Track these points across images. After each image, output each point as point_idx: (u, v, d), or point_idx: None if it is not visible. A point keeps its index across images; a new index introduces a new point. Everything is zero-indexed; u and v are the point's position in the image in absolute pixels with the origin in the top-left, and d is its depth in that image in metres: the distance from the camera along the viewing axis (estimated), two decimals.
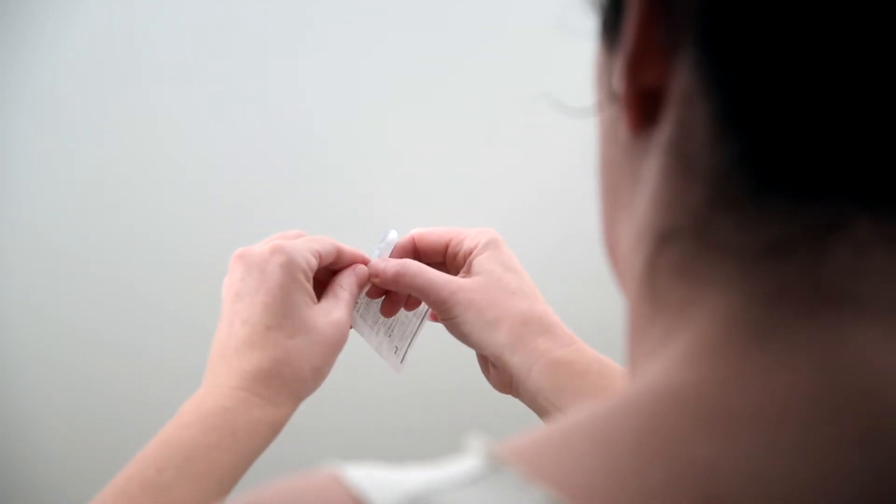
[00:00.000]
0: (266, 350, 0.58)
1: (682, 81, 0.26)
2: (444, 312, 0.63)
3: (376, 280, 0.65)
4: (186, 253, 1.45)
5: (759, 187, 0.26)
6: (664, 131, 0.28)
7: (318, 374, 0.60)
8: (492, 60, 1.46)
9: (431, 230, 0.68)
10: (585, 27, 0.32)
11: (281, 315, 0.59)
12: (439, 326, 0.65)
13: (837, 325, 0.25)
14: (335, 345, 0.61)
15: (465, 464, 0.25)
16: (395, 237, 0.69)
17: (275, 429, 0.57)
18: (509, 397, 0.64)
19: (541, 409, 0.61)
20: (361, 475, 0.25)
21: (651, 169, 0.28)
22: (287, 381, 0.58)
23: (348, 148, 1.49)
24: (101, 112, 1.46)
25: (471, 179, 1.49)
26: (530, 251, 1.47)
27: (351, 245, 0.67)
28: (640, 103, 0.28)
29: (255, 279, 0.60)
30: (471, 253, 0.65)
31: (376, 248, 0.68)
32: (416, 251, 0.68)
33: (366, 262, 0.66)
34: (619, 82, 0.28)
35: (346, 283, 0.64)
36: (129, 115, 1.46)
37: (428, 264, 0.66)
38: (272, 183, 1.47)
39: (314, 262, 0.62)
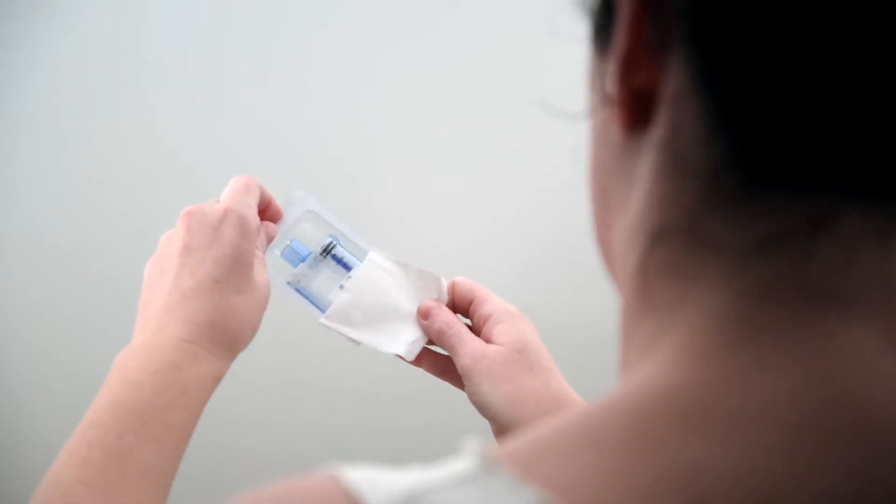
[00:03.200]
0: (214, 303, 0.58)
1: (674, 81, 0.27)
2: (465, 378, 0.64)
3: (423, 321, 0.68)
4: None
5: (750, 183, 0.26)
6: (656, 131, 0.28)
7: (254, 331, 0.61)
8: (489, 63, 1.47)
9: (467, 281, 0.69)
10: (579, 31, 0.32)
11: (231, 272, 0.59)
12: None
13: (825, 323, 0.25)
14: (265, 303, 0.62)
15: (459, 465, 0.26)
16: (307, 205, 0.71)
17: (217, 382, 0.58)
18: None
19: None
20: (357, 476, 0.26)
21: (644, 169, 0.29)
22: (231, 335, 0.58)
23: (347, 149, 1.49)
24: (101, 111, 1.46)
25: (467, 181, 1.49)
26: (525, 251, 1.47)
27: (350, 245, 0.70)
28: (633, 104, 0.28)
29: (206, 236, 0.61)
30: (489, 319, 0.66)
31: (288, 213, 0.70)
32: (452, 295, 0.70)
33: (279, 215, 0.69)
34: (611, 84, 0.29)
35: (258, 245, 0.65)
36: (129, 114, 1.46)
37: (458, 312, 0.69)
38: (270, 183, 1.47)
39: (258, 219, 0.64)
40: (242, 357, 0.60)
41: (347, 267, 0.70)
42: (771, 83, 0.25)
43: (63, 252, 1.48)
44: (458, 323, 0.67)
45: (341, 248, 0.70)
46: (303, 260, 0.70)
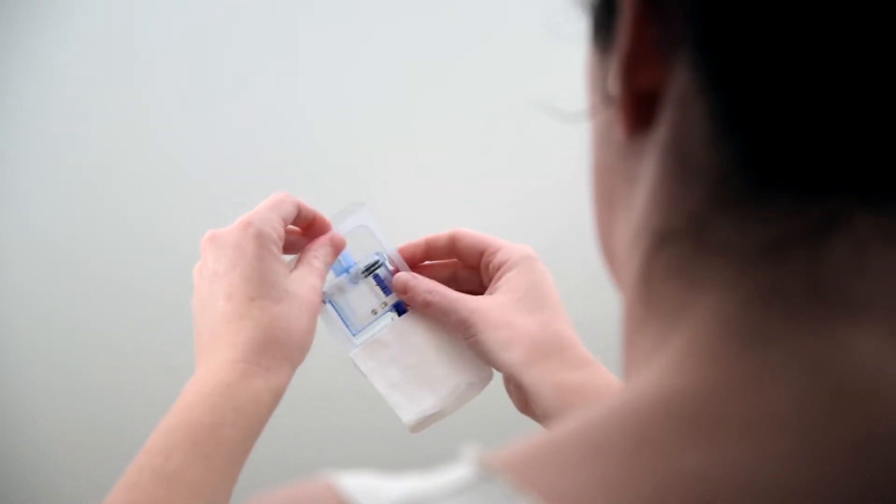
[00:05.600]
0: (255, 319, 0.58)
1: (679, 82, 0.26)
2: (465, 332, 0.63)
3: (403, 296, 0.66)
4: (186, 252, 1.45)
5: (758, 186, 0.25)
6: (661, 133, 0.27)
7: (307, 336, 0.60)
8: (488, 63, 1.46)
9: (472, 233, 0.67)
10: (578, 30, 0.32)
11: (263, 284, 0.59)
12: None
13: (833, 329, 0.25)
14: (315, 308, 0.61)
15: (456, 473, 0.25)
16: (363, 220, 0.69)
17: (276, 395, 0.57)
18: (507, 401, 0.64)
19: None
20: (354, 484, 0.26)
21: (647, 171, 0.28)
22: (281, 345, 0.58)
23: (345, 149, 1.49)
24: (100, 111, 1.46)
25: (467, 181, 1.49)
26: None
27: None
28: (636, 105, 0.28)
29: (229, 256, 0.60)
30: (500, 267, 0.65)
31: (343, 224, 0.68)
32: (455, 250, 0.68)
33: (327, 227, 0.67)
34: (614, 84, 0.28)
35: (320, 255, 0.64)
36: (128, 114, 1.46)
37: (463, 267, 0.67)
38: (271, 184, 1.47)
39: (282, 231, 0.63)
40: None
41: (387, 291, 0.67)
42: (780, 84, 0.24)
43: (62, 251, 1.48)
44: (439, 286, 0.65)
45: (385, 270, 0.68)
46: (346, 271, 0.68)
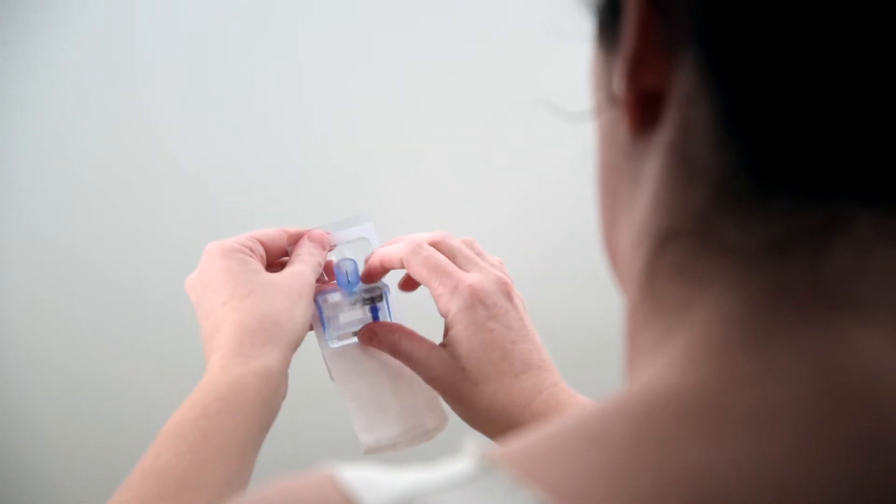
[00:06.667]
0: (228, 320, 0.59)
1: (684, 82, 0.26)
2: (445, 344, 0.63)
3: (371, 345, 0.66)
4: (186, 251, 1.45)
5: (762, 186, 0.25)
6: (665, 133, 0.27)
7: (287, 314, 0.60)
8: (489, 62, 1.46)
9: (417, 266, 0.64)
10: (582, 30, 0.32)
11: (229, 286, 0.60)
12: (437, 328, 0.65)
13: (836, 327, 0.25)
14: (300, 289, 0.62)
15: (458, 466, 0.25)
16: (365, 233, 0.69)
17: (267, 377, 0.57)
18: None
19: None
20: (355, 476, 0.26)
21: (652, 170, 0.28)
22: (256, 332, 0.58)
23: (346, 149, 1.49)
24: (100, 111, 1.46)
25: (467, 181, 1.49)
26: (528, 252, 1.47)
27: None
28: (641, 105, 0.28)
29: (202, 281, 0.63)
30: (445, 317, 0.63)
31: (346, 231, 0.69)
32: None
33: (323, 235, 0.68)
34: (618, 85, 0.28)
35: (304, 248, 0.65)
36: (128, 114, 1.46)
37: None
38: (270, 184, 1.47)
39: (251, 244, 0.64)
40: None
41: (377, 318, 0.67)
42: (784, 84, 0.25)
43: (62, 251, 1.48)
44: (398, 326, 0.65)
45: (385, 305, 0.67)
46: (350, 285, 0.67)
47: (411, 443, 0.65)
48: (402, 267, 0.65)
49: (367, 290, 0.67)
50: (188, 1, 1.44)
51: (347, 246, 0.68)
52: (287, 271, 0.63)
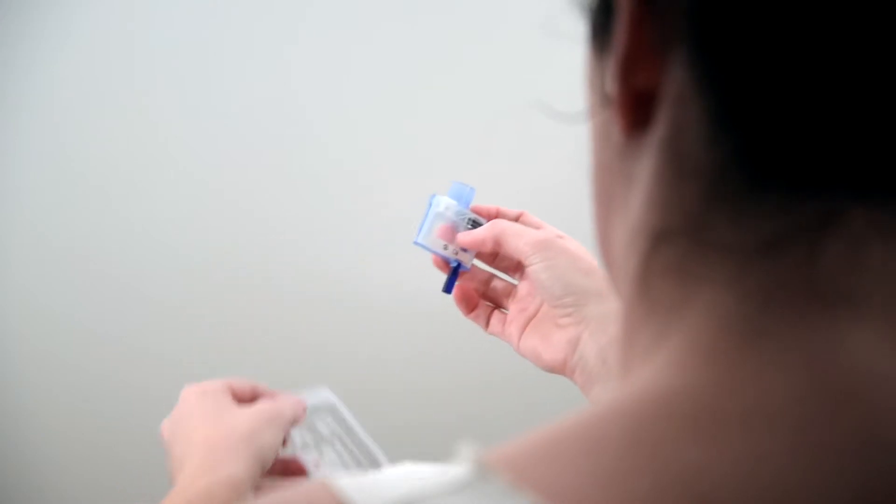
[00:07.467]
0: (197, 445, 0.63)
1: (675, 81, 0.26)
2: (533, 256, 0.66)
3: (475, 249, 0.71)
4: (186, 251, 1.46)
5: (754, 184, 0.25)
6: (658, 132, 0.27)
7: (259, 434, 0.64)
8: (487, 63, 1.46)
9: (509, 238, 0.70)
10: (577, 31, 0.32)
11: (204, 414, 0.65)
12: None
13: (830, 325, 0.25)
14: (271, 417, 0.65)
15: (453, 471, 0.25)
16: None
17: (231, 485, 0.59)
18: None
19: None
20: (349, 483, 0.26)
21: (645, 170, 0.28)
22: (218, 448, 0.61)
23: (345, 149, 1.49)
24: (100, 111, 1.46)
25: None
26: None
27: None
28: (634, 105, 0.28)
29: (174, 419, 0.66)
30: (521, 271, 0.68)
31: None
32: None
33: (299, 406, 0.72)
34: (611, 85, 0.28)
35: (281, 396, 0.70)
36: (128, 114, 1.46)
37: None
38: (271, 183, 1.47)
39: (223, 387, 0.69)
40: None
41: (465, 250, 0.71)
42: (775, 82, 0.24)
43: (62, 251, 1.48)
44: (500, 222, 0.71)
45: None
46: (462, 203, 0.73)
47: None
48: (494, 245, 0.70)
49: (472, 218, 0.72)
50: (188, 1, 1.44)
51: (315, 410, 0.73)
52: (260, 404, 0.67)
